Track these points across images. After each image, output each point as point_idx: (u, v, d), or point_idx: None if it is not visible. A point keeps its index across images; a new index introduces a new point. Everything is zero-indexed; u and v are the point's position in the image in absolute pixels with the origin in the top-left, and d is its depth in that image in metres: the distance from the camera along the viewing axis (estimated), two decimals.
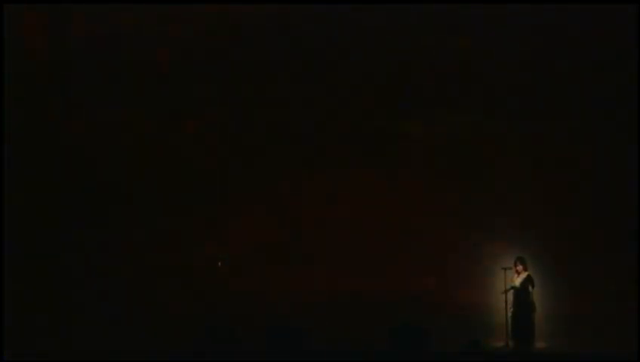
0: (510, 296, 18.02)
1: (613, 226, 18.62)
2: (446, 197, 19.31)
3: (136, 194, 19.60)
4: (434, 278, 18.88)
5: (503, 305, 18.15)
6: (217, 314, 18.23)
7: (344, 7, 18.93)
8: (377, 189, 19.43)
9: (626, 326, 17.69)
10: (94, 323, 18.79)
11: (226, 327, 17.68)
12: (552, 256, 18.44)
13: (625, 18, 17.95)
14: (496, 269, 18.50)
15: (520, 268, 17.91)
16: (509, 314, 17.88)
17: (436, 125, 19.43)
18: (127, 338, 18.44)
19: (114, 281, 19.24)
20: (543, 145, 19.26)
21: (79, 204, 19.58)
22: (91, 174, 19.71)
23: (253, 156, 19.45)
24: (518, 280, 17.94)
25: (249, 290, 18.89)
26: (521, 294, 17.82)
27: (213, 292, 18.58)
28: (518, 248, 18.51)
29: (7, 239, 18.36)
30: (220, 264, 18.58)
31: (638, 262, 18.26)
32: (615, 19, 18.12)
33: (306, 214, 19.31)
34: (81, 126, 19.64)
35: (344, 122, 19.41)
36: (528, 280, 17.85)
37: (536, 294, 17.75)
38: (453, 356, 16.66)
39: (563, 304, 18.28)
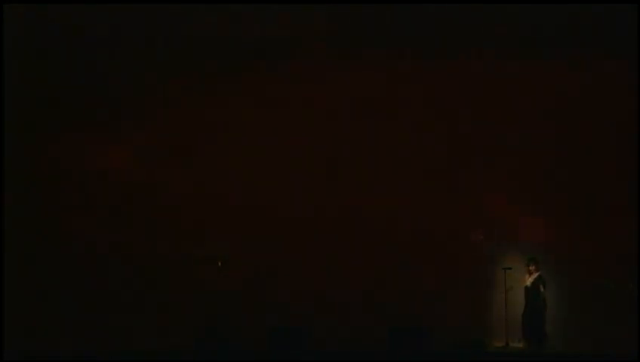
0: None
1: (614, 226, 18.59)
2: (446, 196, 19.30)
3: (136, 194, 19.61)
4: (434, 279, 18.86)
5: (503, 305, 18.18)
6: (218, 314, 18.25)
7: None
8: (377, 188, 19.45)
9: (626, 326, 17.68)
10: (94, 323, 18.79)
11: (226, 327, 17.73)
12: (552, 256, 18.43)
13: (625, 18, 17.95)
14: (496, 269, 18.54)
15: (532, 268, 17.93)
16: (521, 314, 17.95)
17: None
18: (127, 338, 18.43)
19: (114, 281, 19.24)
20: (543, 145, 19.23)
21: (79, 204, 19.59)
22: (91, 174, 19.71)
23: None
24: (529, 280, 17.95)
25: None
26: (533, 294, 17.83)
27: (214, 292, 18.59)
28: (519, 248, 18.55)
29: (7, 239, 18.35)
30: (219, 264, 18.58)
31: (638, 262, 18.24)
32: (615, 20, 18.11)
33: None
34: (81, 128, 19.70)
35: None
36: (539, 280, 17.86)
37: None
38: (454, 356, 16.66)
39: (563, 304, 18.29)
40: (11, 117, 18.74)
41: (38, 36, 18.85)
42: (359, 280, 18.96)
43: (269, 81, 19.48)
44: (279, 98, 19.54)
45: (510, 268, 18.28)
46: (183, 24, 19.01)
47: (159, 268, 19.20)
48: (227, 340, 17.36)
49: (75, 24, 18.73)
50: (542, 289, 17.81)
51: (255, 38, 19.19)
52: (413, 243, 19.08)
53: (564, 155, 19.05)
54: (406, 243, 19.10)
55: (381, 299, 18.85)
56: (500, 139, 19.20)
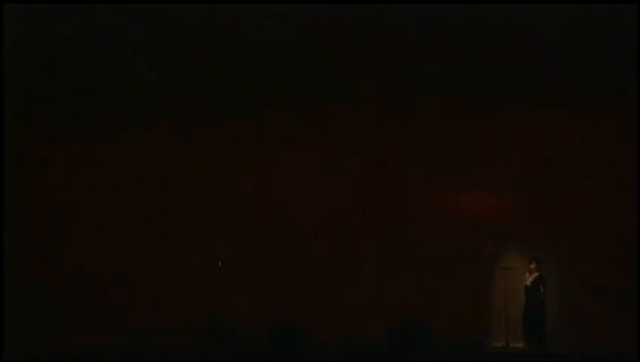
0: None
1: (614, 225, 18.60)
2: (446, 196, 19.32)
3: (136, 194, 19.64)
4: (434, 279, 18.87)
5: (503, 305, 18.19)
6: (218, 314, 18.25)
7: None
8: (378, 187, 19.46)
9: (626, 326, 17.69)
10: (94, 323, 18.81)
11: (226, 327, 17.73)
12: (552, 256, 18.43)
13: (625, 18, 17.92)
14: (496, 269, 18.56)
15: (533, 266, 17.93)
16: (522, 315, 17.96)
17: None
18: (127, 337, 18.45)
19: (114, 281, 19.26)
20: (543, 145, 19.24)
21: (79, 203, 19.61)
22: (90, 174, 19.74)
23: None
24: (529, 280, 17.95)
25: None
26: (533, 294, 17.83)
27: (214, 292, 18.60)
28: (519, 248, 18.55)
29: (7, 239, 18.37)
30: (219, 264, 18.58)
31: (638, 262, 18.25)
32: (615, 19, 18.09)
33: None
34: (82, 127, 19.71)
35: None
36: (539, 281, 17.85)
37: None
38: (454, 356, 16.66)
39: (563, 304, 18.30)
40: (11, 117, 18.74)
41: (38, 36, 18.84)
42: (359, 280, 18.98)
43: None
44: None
45: (510, 268, 18.31)
46: (184, 24, 19.00)
47: (159, 268, 19.23)
48: (227, 340, 17.35)
49: (75, 24, 18.73)
50: (542, 289, 17.80)
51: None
52: (413, 243, 19.09)
53: (565, 155, 19.07)
54: (406, 243, 19.12)
55: (381, 299, 18.87)
56: (499, 138, 19.22)
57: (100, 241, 19.41)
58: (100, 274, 19.30)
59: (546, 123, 19.12)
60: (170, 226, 19.45)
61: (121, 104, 19.56)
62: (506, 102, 19.10)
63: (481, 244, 18.82)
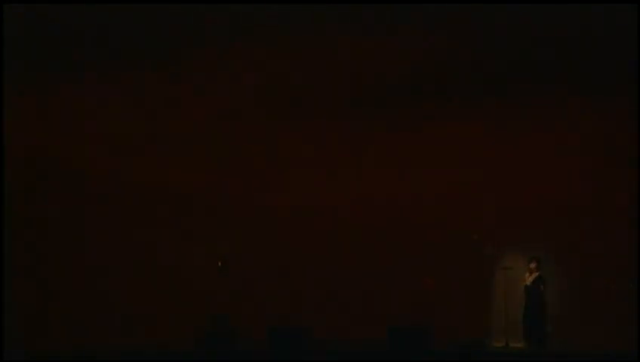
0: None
1: (614, 226, 18.60)
2: (446, 195, 19.32)
3: (136, 194, 19.63)
4: (434, 278, 18.85)
5: (503, 305, 18.19)
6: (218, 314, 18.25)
7: None
8: (382, 188, 19.47)
9: (626, 326, 17.69)
10: (94, 323, 18.80)
11: (226, 327, 17.73)
12: (552, 256, 18.42)
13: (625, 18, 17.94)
14: (496, 269, 18.55)
15: (533, 266, 17.92)
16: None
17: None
18: (127, 337, 18.45)
19: (114, 281, 19.26)
20: (541, 146, 19.25)
21: (79, 204, 19.61)
22: (90, 174, 19.73)
23: None
24: (529, 279, 17.94)
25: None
26: (533, 294, 17.82)
27: (214, 292, 18.59)
28: (519, 248, 18.54)
29: (7, 239, 18.37)
30: (220, 264, 18.58)
31: (638, 262, 18.25)
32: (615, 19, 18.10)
33: None
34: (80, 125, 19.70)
35: None
36: (540, 281, 17.85)
37: None
38: (454, 356, 16.66)
39: (563, 304, 18.29)
40: (11, 117, 18.75)
41: (38, 36, 18.85)
42: (360, 280, 18.98)
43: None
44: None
45: (510, 268, 18.31)
46: (184, 24, 19.03)
47: (159, 268, 19.23)
48: (227, 340, 17.35)
49: (76, 24, 18.74)
50: (542, 289, 17.80)
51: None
52: (413, 244, 19.08)
53: (565, 154, 19.07)
54: (406, 243, 19.11)
55: (381, 299, 18.86)
56: (498, 138, 19.22)
57: (100, 241, 19.39)
58: (100, 273, 19.28)
59: (546, 122, 19.11)
60: (171, 226, 19.44)
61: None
62: (505, 103, 19.09)
63: (481, 244, 18.81)
